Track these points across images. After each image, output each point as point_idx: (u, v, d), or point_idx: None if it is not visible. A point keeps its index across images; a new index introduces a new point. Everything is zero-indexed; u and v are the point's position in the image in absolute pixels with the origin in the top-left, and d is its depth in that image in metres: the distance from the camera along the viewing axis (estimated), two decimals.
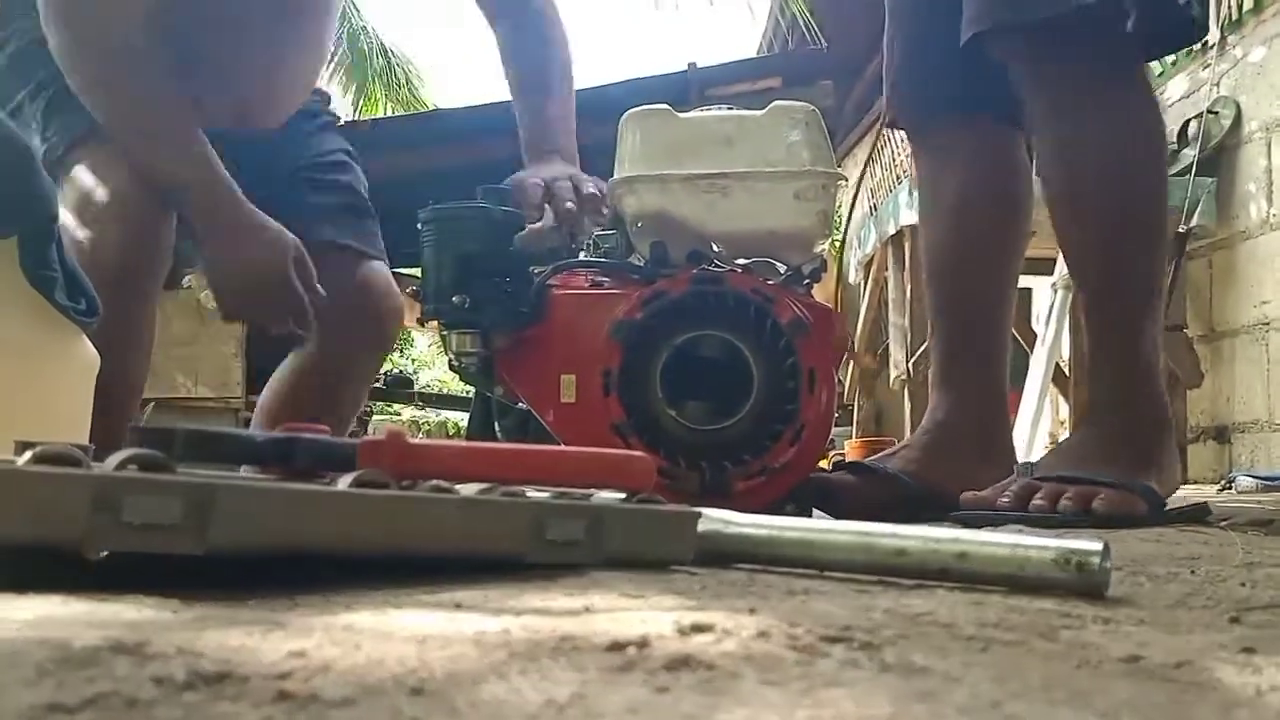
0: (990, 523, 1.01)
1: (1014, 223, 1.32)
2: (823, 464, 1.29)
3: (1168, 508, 1.10)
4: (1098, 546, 0.48)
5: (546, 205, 1.26)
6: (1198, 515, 1.09)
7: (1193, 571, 0.57)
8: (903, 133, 1.47)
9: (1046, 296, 3.18)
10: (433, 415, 8.44)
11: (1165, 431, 1.16)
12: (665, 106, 1.20)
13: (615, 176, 1.20)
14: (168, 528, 0.40)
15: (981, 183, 1.28)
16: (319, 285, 1.27)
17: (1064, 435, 3.57)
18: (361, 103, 8.18)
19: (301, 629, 0.31)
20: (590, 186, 1.27)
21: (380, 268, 1.56)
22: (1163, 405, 1.17)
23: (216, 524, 0.40)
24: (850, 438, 4.04)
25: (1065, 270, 2.97)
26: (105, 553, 0.43)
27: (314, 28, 1.50)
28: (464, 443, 1.09)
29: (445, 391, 8.59)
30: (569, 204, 1.25)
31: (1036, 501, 1.05)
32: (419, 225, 1.22)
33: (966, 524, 1.01)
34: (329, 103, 1.70)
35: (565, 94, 1.48)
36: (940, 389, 1.26)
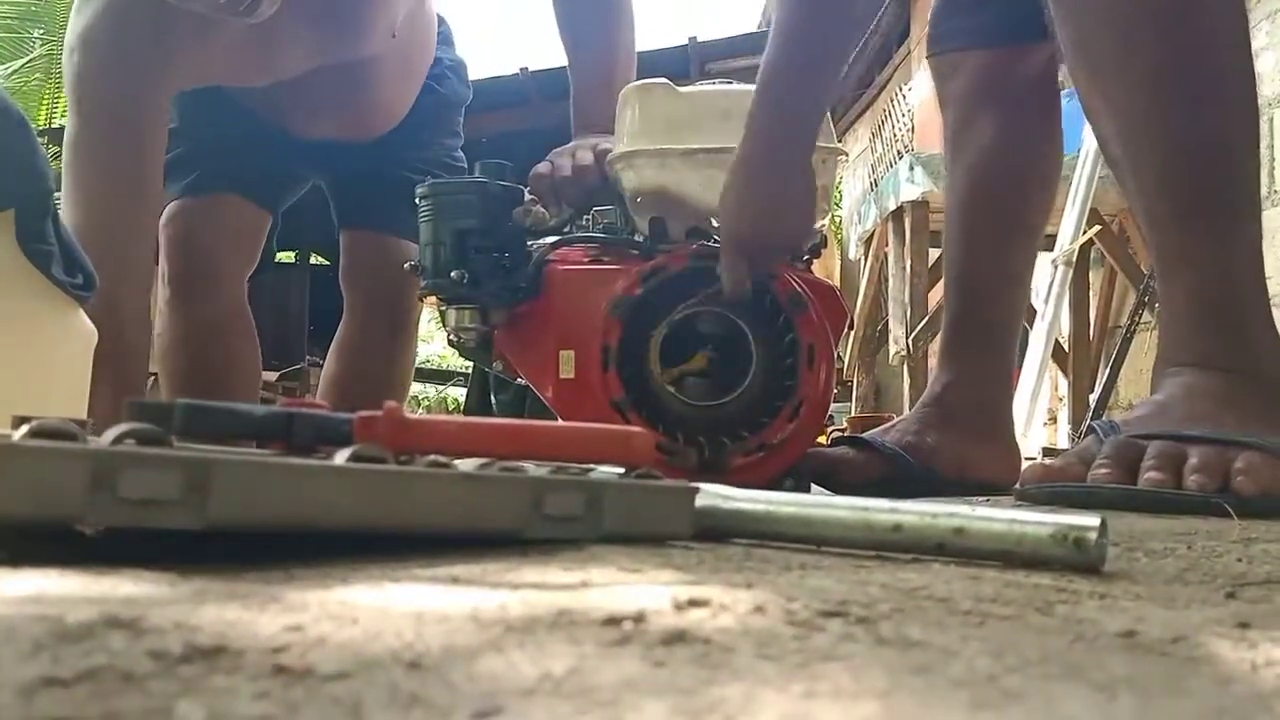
0: (1084, 505, 0.76)
1: (1038, 196, 1.26)
2: (821, 440, 1.29)
3: None
4: (1095, 522, 0.48)
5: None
6: None
7: (1189, 547, 0.57)
8: (928, 81, 1.34)
9: (1046, 273, 3.17)
10: (432, 390, 8.45)
11: None
12: (665, 81, 1.19)
13: (614, 152, 1.19)
14: (165, 502, 0.39)
15: (1008, 148, 1.21)
16: None
17: (1062, 413, 3.58)
18: None
19: (298, 603, 0.31)
20: (588, 155, 1.27)
21: (397, 245, 1.59)
22: (1278, 350, 0.87)
23: (215, 499, 0.40)
24: (849, 413, 4.05)
25: (1065, 246, 2.97)
26: (102, 528, 0.43)
27: (405, 38, 1.52)
28: (461, 418, 1.09)
29: (445, 367, 8.59)
30: (564, 174, 1.25)
31: (1150, 474, 0.78)
32: (417, 200, 1.21)
33: (1037, 503, 0.82)
34: (455, 89, 1.70)
35: (614, 54, 1.44)
36: (944, 361, 1.23)
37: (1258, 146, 0.90)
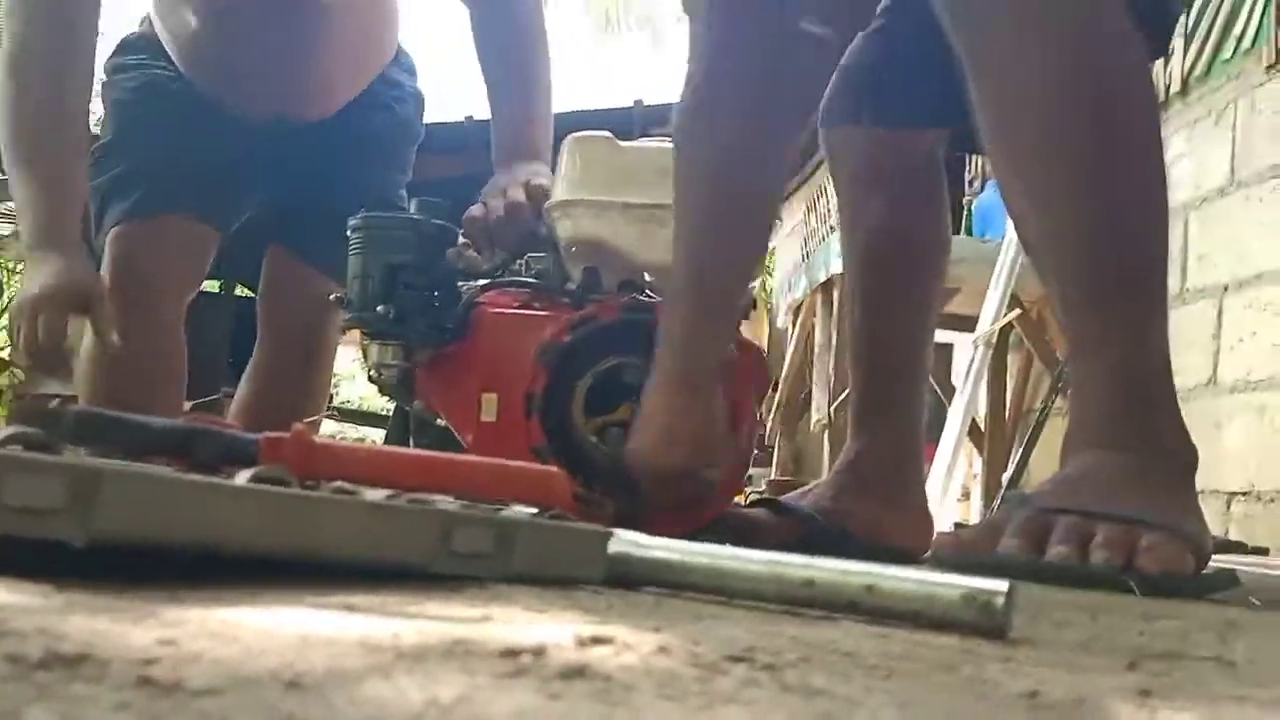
0: (992, 574, 0.66)
1: (928, 273, 1.29)
2: (739, 499, 1.29)
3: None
4: (1003, 587, 0.48)
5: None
6: (1226, 584, 0.84)
7: (1093, 618, 0.58)
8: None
9: (967, 352, 3.25)
10: (350, 430, 8.28)
11: (1192, 470, 0.90)
12: (607, 134, 1.20)
13: (552, 199, 1.19)
14: (48, 512, 0.37)
15: (896, 229, 1.24)
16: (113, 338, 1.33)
17: (976, 489, 3.64)
18: None
19: (175, 619, 0.29)
20: (519, 193, 1.27)
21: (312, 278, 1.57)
22: (1186, 434, 0.90)
23: (101, 511, 0.38)
24: (769, 477, 4.06)
25: (985, 327, 3.04)
26: None
27: (352, 22, 1.51)
28: (373, 445, 1.07)
29: (364, 408, 8.44)
30: (497, 215, 1.25)
31: (1058, 548, 0.79)
32: (349, 232, 1.20)
33: (946, 569, 0.74)
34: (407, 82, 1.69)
35: (534, 83, 1.46)
36: (854, 430, 1.25)
37: (1167, 240, 0.93)
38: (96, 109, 1.71)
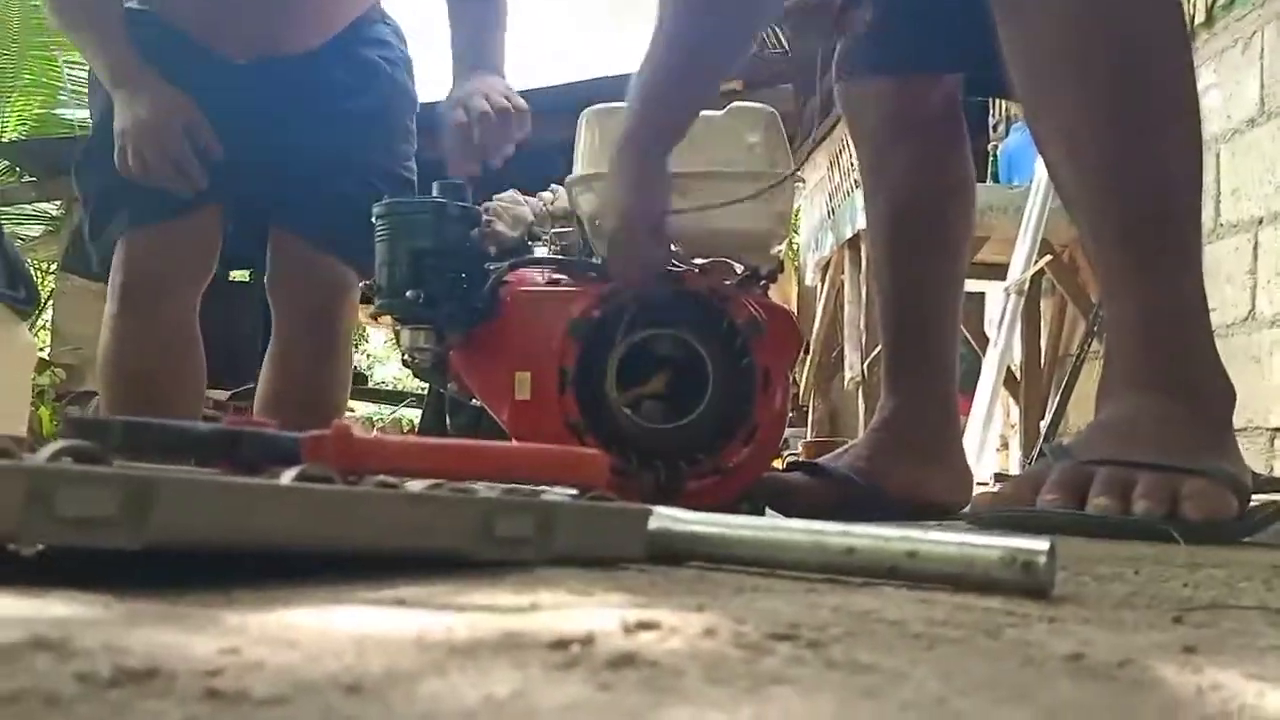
0: (1033, 529, 0.75)
1: (957, 221, 1.28)
2: (776, 464, 1.29)
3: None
4: (1044, 546, 0.48)
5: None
6: (1269, 522, 0.83)
7: (1136, 572, 0.58)
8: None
9: (999, 301, 3.22)
10: (387, 411, 8.36)
11: (1230, 409, 0.89)
12: (624, 105, 1.19)
13: (573, 174, 1.19)
14: (103, 521, 0.38)
15: (923, 177, 1.24)
16: (212, 144, 1.48)
17: (1014, 439, 3.62)
18: None
19: (236, 626, 0.30)
20: (500, 98, 1.28)
21: (315, 257, 1.57)
22: (1223, 373, 0.88)
23: (154, 518, 0.39)
24: (804, 438, 4.07)
25: (1017, 275, 3.01)
26: (40, 547, 0.42)
27: None
28: (412, 438, 1.08)
29: (399, 388, 8.52)
30: (485, 111, 1.26)
31: (1098, 500, 0.79)
32: (374, 219, 1.20)
33: (986, 526, 0.82)
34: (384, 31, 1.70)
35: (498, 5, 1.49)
36: (887, 388, 1.25)
37: (1201, 175, 0.92)
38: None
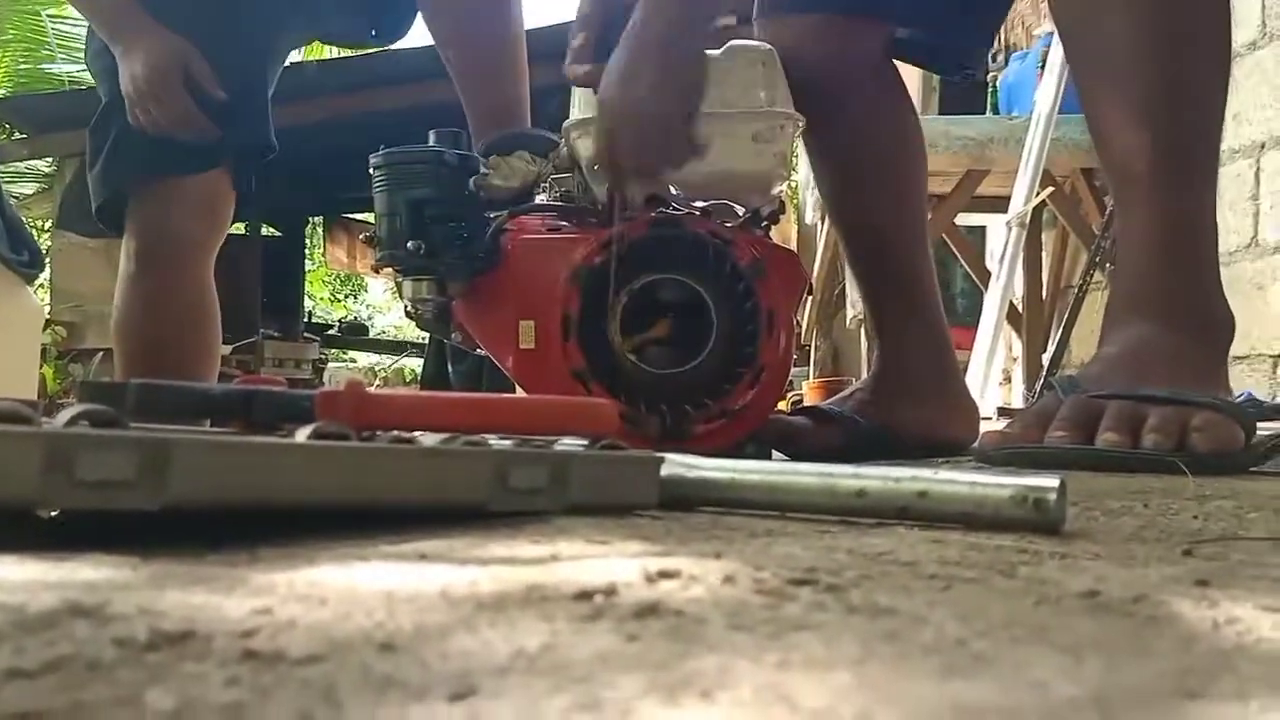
0: (1043, 465, 0.77)
1: (911, 161, 1.25)
2: (781, 406, 1.29)
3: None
4: (1054, 483, 0.49)
5: None
6: (1274, 452, 0.83)
7: (1145, 505, 0.58)
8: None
9: (1000, 234, 3.20)
10: (388, 361, 8.38)
11: (1231, 340, 0.90)
12: None
13: (571, 119, 1.18)
14: (122, 484, 0.39)
15: (879, 119, 1.21)
16: (213, 88, 1.45)
17: (1017, 372, 3.63)
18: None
19: (265, 585, 0.30)
20: None
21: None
22: (1225, 304, 0.89)
23: (172, 479, 0.39)
24: (808, 378, 4.08)
25: (1018, 208, 3.00)
26: (57, 511, 0.43)
27: None
28: (424, 392, 1.08)
29: (401, 338, 8.53)
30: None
31: (1107, 435, 0.79)
32: (371, 170, 1.19)
33: (995, 464, 0.81)
34: None
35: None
36: (877, 337, 1.24)
37: (1226, 93, 0.92)
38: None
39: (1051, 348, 3.01)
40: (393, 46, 1.78)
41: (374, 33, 1.69)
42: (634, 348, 1.10)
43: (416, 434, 0.51)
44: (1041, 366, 3.06)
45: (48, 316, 4.33)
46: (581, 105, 1.17)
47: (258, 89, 1.57)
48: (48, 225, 5.85)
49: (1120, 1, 0.89)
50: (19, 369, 0.92)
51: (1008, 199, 3.07)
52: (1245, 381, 2.45)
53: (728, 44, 1.17)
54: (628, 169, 1.03)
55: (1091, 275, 3.07)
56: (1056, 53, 3.02)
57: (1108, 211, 3.13)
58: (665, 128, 1.02)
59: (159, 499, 0.39)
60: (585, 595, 0.30)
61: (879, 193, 1.22)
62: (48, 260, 5.59)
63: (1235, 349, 0.92)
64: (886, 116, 1.22)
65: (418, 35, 1.72)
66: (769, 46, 1.16)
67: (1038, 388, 2.77)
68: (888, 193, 1.22)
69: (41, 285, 5.69)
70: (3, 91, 6.65)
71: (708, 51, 1.14)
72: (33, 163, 6.22)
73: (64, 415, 0.41)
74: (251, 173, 1.60)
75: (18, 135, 5.72)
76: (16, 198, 5.98)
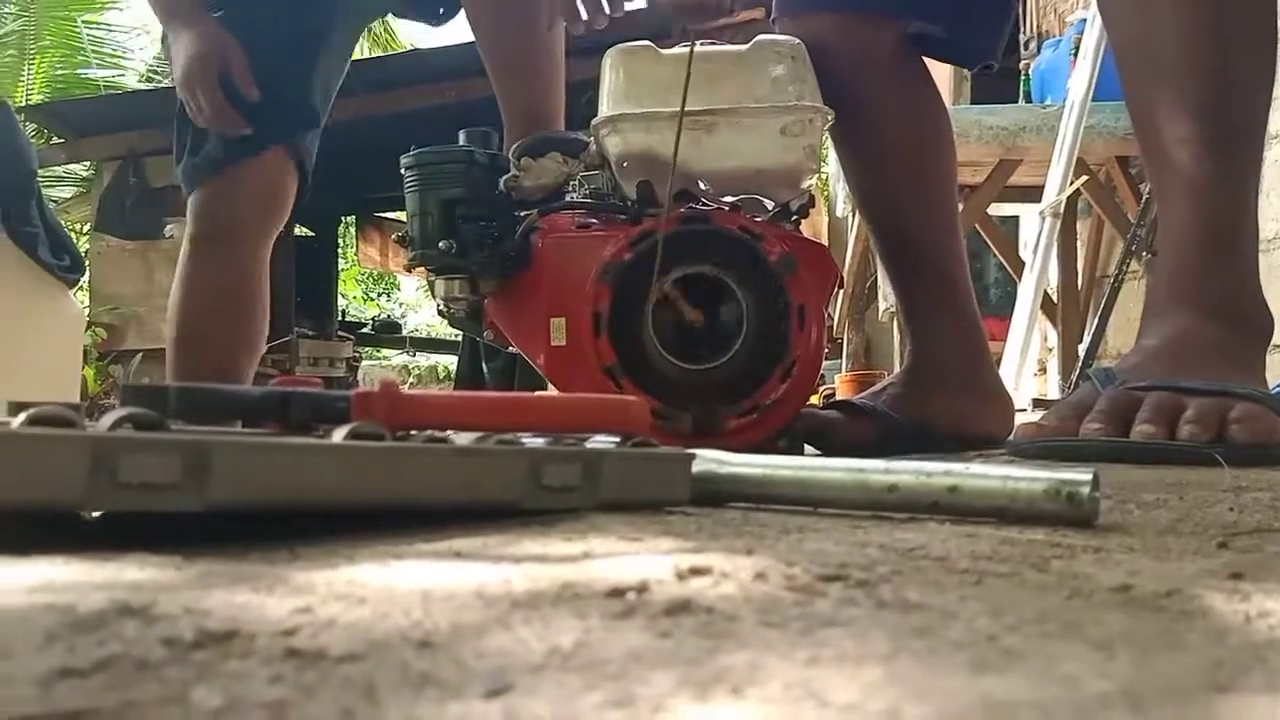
0: (1077, 459, 0.76)
1: (941, 153, 1.25)
2: (814, 400, 1.29)
3: None
4: (1087, 477, 0.49)
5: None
6: None
7: (1181, 498, 0.58)
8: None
9: (1034, 224, 3.17)
10: (422, 360, 8.44)
11: (1270, 338, 0.89)
12: (648, 43, 1.18)
13: (599, 116, 1.18)
14: (165, 486, 0.40)
15: (895, 116, 1.20)
16: (246, 86, 1.45)
17: (1052, 363, 3.60)
18: None
19: (305, 584, 0.31)
20: None
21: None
22: (1264, 301, 0.89)
23: (214, 481, 0.40)
24: (840, 371, 4.06)
25: (1052, 197, 2.97)
26: (100, 513, 0.44)
27: None
28: (457, 392, 1.09)
29: (434, 336, 8.58)
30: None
31: (1144, 427, 0.78)
32: (403, 170, 1.21)
33: (1029, 457, 0.81)
34: None
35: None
36: (910, 332, 1.24)
37: (1272, 88, 0.93)
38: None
39: (1088, 338, 2.98)
40: (426, 45, 1.80)
41: (441, 10, 1.67)
42: (665, 343, 1.10)
43: (450, 433, 0.51)
44: (1077, 357, 3.03)
45: (87, 319, 4.40)
46: (610, 102, 1.17)
47: (302, 73, 1.57)
48: (86, 229, 5.94)
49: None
50: (62, 372, 0.94)
51: (1041, 188, 3.04)
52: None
53: (755, 39, 1.17)
54: None
55: (1128, 264, 3.03)
56: (1090, 39, 2.98)
57: (1143, 199, 3.09)
58: None
59: (202, 500, 0.40)
60: (618, 592, 0.30)
61: (907, 186, 1.22)
62: (86, 263, 5.70)
63: (1275, 338, 0.91)
64: (912, 110, 1.22)
65: (450, 34, 1.73)
66: (797, 41, 1.16)
67: (1074, 379, 2.74)
68: (916, 186, 1.22)
69: (81, 288, 5.78)
70: (40, 97, 6.76)
71: (734, 47, 1.14)
72: (71, 167, 6.32)
73: (108, 419, 0.41)
74: (310, 152, 1.61)
75: (55, 140, 5.82)
76: (55, 202, 6.08)
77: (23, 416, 0.40)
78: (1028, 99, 3.46)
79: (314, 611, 0.27)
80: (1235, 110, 0.88)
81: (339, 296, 7.28)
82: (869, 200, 1.26)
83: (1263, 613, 0.29)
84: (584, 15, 1.14)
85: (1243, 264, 0.89)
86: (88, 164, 6.01)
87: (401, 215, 1.29)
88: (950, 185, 1.27)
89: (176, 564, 0.36)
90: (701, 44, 1.20)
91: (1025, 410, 1.95)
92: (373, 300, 12.64)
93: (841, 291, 4.23)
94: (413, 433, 0.50)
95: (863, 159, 1.24)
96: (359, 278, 11.81)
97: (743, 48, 1.16)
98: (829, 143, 1.35)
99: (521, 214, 1.17)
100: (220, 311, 1.55)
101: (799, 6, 1.21)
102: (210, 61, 1.45)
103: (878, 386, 1.26)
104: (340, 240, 7.63)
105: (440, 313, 1.27)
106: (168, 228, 5.34)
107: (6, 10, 7.24)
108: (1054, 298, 3.44)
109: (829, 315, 1.32)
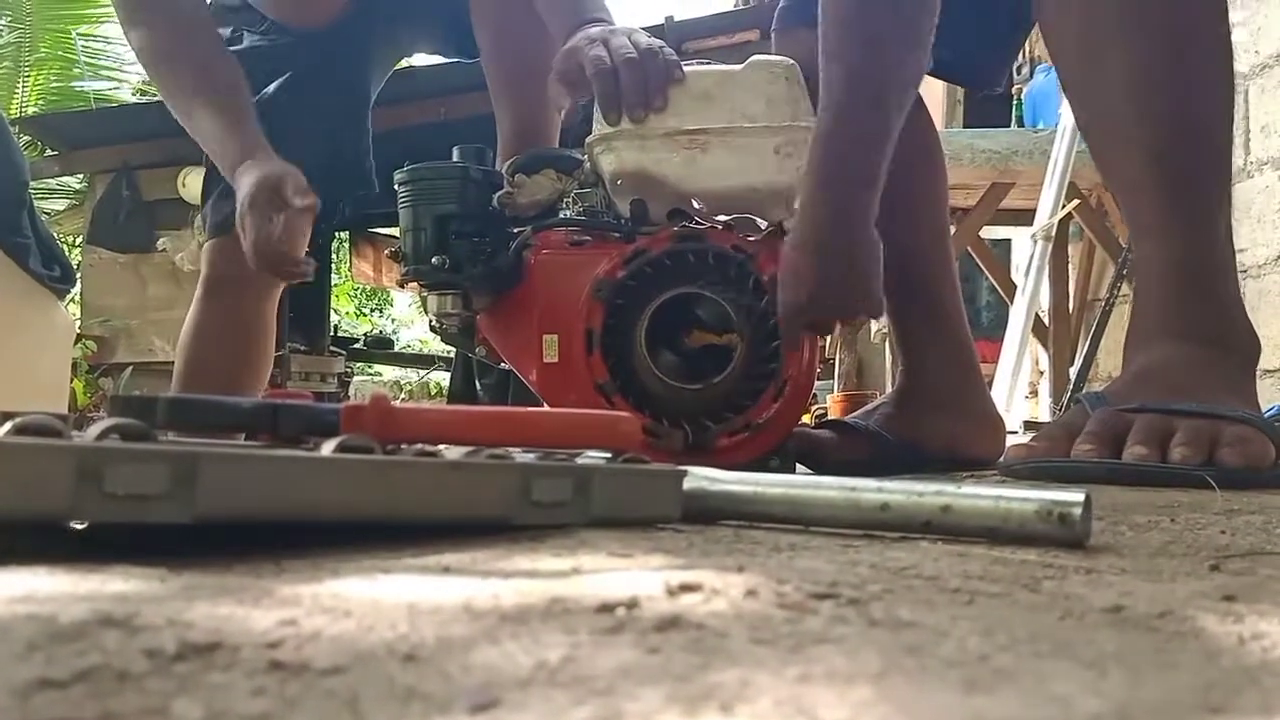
0: (1069, 480, 0.76)
1: (933, 175, 1.25)
2: (806, 419, 1.29)
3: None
4: (1079, 498, 0.48)
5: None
6: None
7: (1173, 520, 0.58)
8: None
9: (1026, 247, 3.19)
10: (414, 376, 8.42)
11: (1257, 360, 0.90)
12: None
13: (593, 134, 1.19)
14: (152, 497, 0.39)
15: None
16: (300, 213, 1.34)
17: (1043, 386, 3.60)
18: None
19: (290, 597, 0.31)
20: (637, 39, 1.13)
21: None
22: (1248, 323, 0.90)
23: (202, 492, 0.40)
24: (833, 391, 4.06)
25: (1044, 220, 2.98)
26: (86, 524, 0.43)
27: None
28: (448, 406, 1.09)
29: (426, 351, 8.56)
30: (628, 55, 1.10)
31: (1135, 448, 0.77)
32: (396, 186, 1.21)
33: (1020, 478, 0.81)
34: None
35: None
36: (901, 353, 1.24)
37: (1232, 125, 0.93)
38: None
39: (1079, 361, 2.99)
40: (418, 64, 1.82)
41: (460, 51, 1.67)
42: (657, 361, 1.10)
43: (441, 447, 0.51)
44: (1068, 380, 3.03)
45: (78, 332, 4.39)
46: (603, 120, 1.18)
47: (355, 139, 1.60)
48: (78, 241, 5.93)
49: (1120, 41, 0.89)
50: (51, 383, 0.94)
51: (1033, 212, 3.06)
52: (1276, 396, 2.42)
53: (750, 58, 1.17)
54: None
55: (1119, 288, 3.04)
56: None
57: None
58: (853, 311, 1.01)
59: (189, 512, 0.39)
60: (607, 608, 0.30)
61: (900, 208, 1.22)
62: (78, 275, 5.68)
63: (1265, 363, 0.92)
64: (905, 132, 1.22)
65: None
66: (791, 61, 1.16)
67: (1065, 402, 2.75)
68: (909, 208, 1.22)
69: (72, 300, 5.77)
70: (35, 109, 6.76)
71: (728, 67, 1.14)
72: (64, 179, 6.31)
73: (95, 429, 0.41)
74: (341, 209, 1.64)
75: (49, 152, 5.81)
76: (48, 214, 6.07)
77: (8, 425, 0.40)
78: (1020, 123, 3.48)
79: (299, 624, 0.27)
80: (1196, 152, 0.89)
81: (331, 311, 7.28)
82: None
83: (1256, 634, 0.29)
84: (626, 110, 1.09)
85: (1220, 293, 0.90)
86: (80, 176, 6.01)
87: (395, 231, 1.28)
88: (942, 208, 1.27)
89: (161, 575, 0.35)
90: (697, 63, 1.21)
91: (1016, 433, 1.95)
92: (365, 316, 12.63)
93: None
94: (403, 447, 0.50)
95: None
96: (351, 293, 11.81)
97: (737, 67, 1.16)
98: None
99: (515, 230, 1.18)
100: (225, 344, 1.59)
101: (794, 22, 1.22)
102: (267, 197, 1.34)
103: (869, 406, 1.26)
104: (334, 255, 7.63)
105: (433, 328, 1.26)
106: (160, 241, 5.34)
107: (1, 22, 7.25)
108: (1045, 321, 3.45)
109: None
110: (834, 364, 4.36)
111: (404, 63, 1.91)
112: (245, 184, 1.36)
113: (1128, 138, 0.90)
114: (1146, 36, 0.88)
